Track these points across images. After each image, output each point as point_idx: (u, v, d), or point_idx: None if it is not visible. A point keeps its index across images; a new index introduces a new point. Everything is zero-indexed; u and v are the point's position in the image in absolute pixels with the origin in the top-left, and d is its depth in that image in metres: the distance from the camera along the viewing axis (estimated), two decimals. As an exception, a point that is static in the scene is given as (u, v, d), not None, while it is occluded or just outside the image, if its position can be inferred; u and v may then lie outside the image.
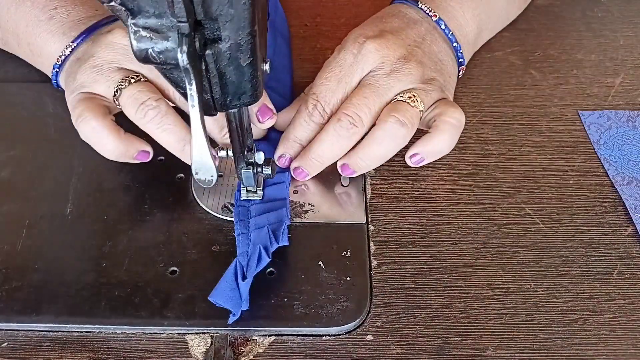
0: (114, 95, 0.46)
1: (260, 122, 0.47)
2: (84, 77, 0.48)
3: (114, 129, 0.46)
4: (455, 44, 0.53)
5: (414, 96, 0.47)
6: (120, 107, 0.47)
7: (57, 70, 0.52)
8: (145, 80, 0.47)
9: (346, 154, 0.48)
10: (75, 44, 0.51)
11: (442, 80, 0.50)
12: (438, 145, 0.48)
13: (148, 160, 0.48)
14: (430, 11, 0.53)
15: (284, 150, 0.49)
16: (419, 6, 0.54)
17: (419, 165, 0.49)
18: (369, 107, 0.47)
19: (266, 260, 0.42)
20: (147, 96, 0.45)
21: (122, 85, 0.46)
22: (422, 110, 0.47)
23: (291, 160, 0.49)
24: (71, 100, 0.48)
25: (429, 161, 0.49)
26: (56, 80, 0.53)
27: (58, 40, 0.52)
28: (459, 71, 0.55)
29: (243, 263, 0.43)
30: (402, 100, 0.47)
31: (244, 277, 0.41)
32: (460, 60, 0.54)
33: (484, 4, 0.57)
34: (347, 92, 0.48)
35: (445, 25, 0.53)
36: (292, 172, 0.50)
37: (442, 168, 0.52)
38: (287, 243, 0.44)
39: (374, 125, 0.47)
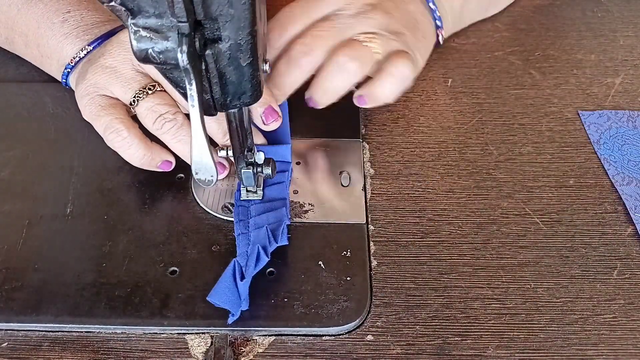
0: (131, 103, 0.47)
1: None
2: (97, 78, 0.47)
3: (142, 139, 0.47)
4: (431, 4, 0.53)
5: (371, 38, 0.47)
6: (134, 112, 0.48)
7: (69, 70, 0.52)
8: (161, 90, 0.47)
9: (310, 87, 0.49)
10: (91, 47, 0.51)
11: (413, 38, 0.50)
12: (378, 91, 0.49)
13: (170, 169, 0.49)
14: None
15: None
16: None
17: (364, 106, 0.50)
18: (323, 39, 0.47)
19: (265, 260, 0.42)
20: (165, 109, 0.47)
21: (140, 96, 0.47)
22: (377, 52, 0.47)
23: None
24: (87, 103, 0.47)
25: (373, 105, 0.50)
26: (66, 80, 0.53)
27: (71, 42, 0.52)
28: (437, 35, 0.54)
29: (242, 263, 0.43)
30: (356, 39, 0.47)
31: (242, 277, 0.41)
32: (437, 22, 0.54)
33: None
34: (306, 24, 0.49)
35: None
36: (266, 123, 0.48)
37: (442, 168, 0.52)
38: (286, 243, 0.44)
39: None
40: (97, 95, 0.47)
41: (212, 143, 0.45)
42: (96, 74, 0.47)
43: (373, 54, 0.47)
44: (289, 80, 0.48)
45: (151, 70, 0.47)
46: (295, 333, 0.42)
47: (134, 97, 0.47)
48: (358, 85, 0.49)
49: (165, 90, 0.48)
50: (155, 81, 0.48)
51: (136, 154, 0.47)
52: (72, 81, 0.53)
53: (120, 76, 0.47)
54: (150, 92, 0.47)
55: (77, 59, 0.51)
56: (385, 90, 0.49)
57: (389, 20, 0.49)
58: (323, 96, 0.49)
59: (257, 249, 0.42)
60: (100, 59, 0.48)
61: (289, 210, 0.47)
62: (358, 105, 0.50)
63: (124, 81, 0.47)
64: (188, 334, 0.42)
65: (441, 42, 0.55)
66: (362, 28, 0.48)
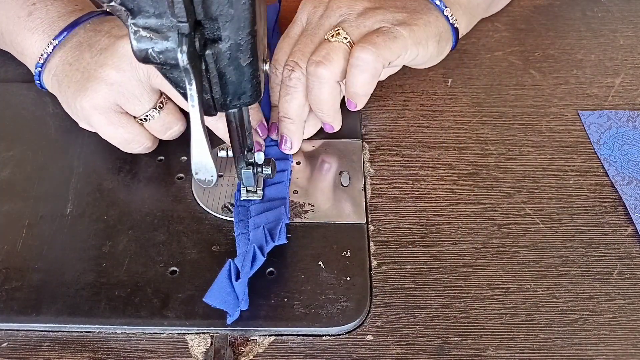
0: (141, 119, 0.49)
1: (260, 136, 0.51)
2: (103, 95, 0.46)
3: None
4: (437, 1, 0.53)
5: (336, 31, 0.48)
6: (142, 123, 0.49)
7: (40, 69, 0.51)
8: (167, 102, 0.49)
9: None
10: (57, 41, 0.49)
11: (400, 15, 0.50)
12: (351, 89, 0.49)
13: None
14: None
15: (272, 120, 0.52)
16: None
17: (357, 109, 0.51)
18: (301, 51, 0.49)
19: (261, 259, 0.42)
20: (176, 124, 0.50)
21: (151, 114, 0.48)
22: (348, 42, 0.48)
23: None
24: (98, 121, 0.48)
25: (361, 103, 0.50)
26: (39, 80, 0.52)
27: (39, 39, 0.50)
28: (445, 16, 0.53)
29: (239, 264, 0.42)
30: (325, 39, 0.49)
31: (238, 278, 0.41)
32: (437, 4, 0.53)
33: None
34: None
35: None
36: (280, 148, 0.51)
37: (442, 168, 0.52)
38: (285, 241, 0.44)
39: None
40: (107, 110, 0.47)
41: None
42: (101, 92, 0.46)
43: (340, 44, 0.48)
44: (292, 104, 0.49)
45: (154, 78, 0.47)
46: (295, 333, 0.42)
47: (145, 115, 0.48)
48: None
49: (171, 101, 0.49)
50: (162, 92, 0.48)
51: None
52: (47, 82, 0.51)
53: (129, 94, 0.47)
54: (160, 108, 0.48)
55: (45, 54, 0.50)
56: (357, 84, 0.48)
57: (354, 4, 0.50)
58: (323, 110, 0.49)
59: (252, 249, 0.42)
60: (101, 72, 0.47)
61: (288, 209, 0.47)
62: (351, 110, 0.51)
63: (133, 98, 0.47)
64: (188, 334, 0.42)
65: (454, 25, 0.54)
66: (330, 22, 0.50)
